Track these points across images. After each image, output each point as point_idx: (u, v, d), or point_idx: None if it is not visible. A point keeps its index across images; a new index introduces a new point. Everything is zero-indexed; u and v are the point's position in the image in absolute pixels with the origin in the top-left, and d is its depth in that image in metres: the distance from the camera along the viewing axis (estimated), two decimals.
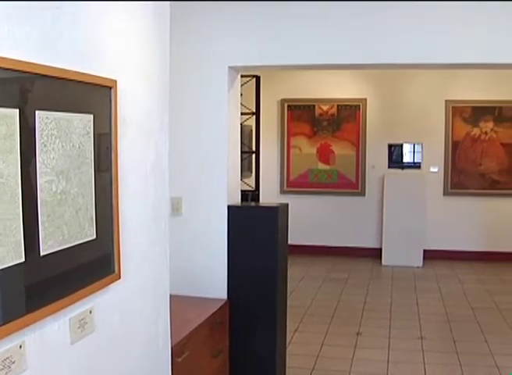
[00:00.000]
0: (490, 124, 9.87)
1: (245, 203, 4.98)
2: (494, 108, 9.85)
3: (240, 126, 4.76)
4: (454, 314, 6.92)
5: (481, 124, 9.89)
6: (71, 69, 1.97)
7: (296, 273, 8.72)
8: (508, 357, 5.58)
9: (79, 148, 2.04)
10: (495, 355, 5.60)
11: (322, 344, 5.83)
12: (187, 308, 3.92)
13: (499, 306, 7.26)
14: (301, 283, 8.30)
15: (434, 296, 7.77)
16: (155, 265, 2.76)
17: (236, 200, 4.59)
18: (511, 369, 5.25)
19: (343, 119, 10.14)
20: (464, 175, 10.01)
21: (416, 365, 5.37)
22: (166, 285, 2.91)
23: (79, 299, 2.07)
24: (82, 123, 2.06)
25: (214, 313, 3.98)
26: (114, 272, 2.31)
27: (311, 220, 10.17)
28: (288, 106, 10.25)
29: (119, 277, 2.34)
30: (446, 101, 9.94)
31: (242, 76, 4.94)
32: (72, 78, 1.98)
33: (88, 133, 2.10)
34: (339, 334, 6.16)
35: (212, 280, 4.36)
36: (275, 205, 4.40)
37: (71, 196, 2.00)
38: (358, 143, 10.14)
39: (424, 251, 9.63)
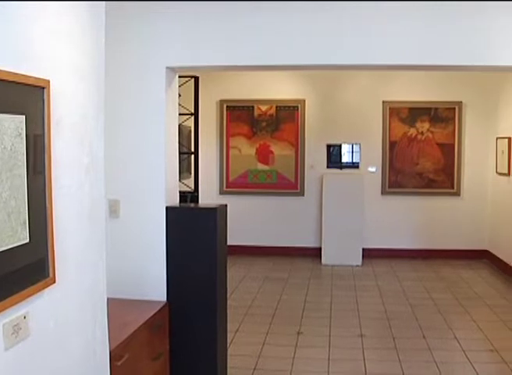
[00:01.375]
0: (426, 124, 10.09)
1: (184, 204, 4.95)
2: (430, 108, 10.07)
3: (178, 126, 4.73)
4: (393, 311, 7.04)
5: (418, 124, 10.10)
6: (2, 69, 1.92)
7: (237, 274, 8.74)
8: (446, 352, 5.70)
9: (10, 149, 1.99)
10: (433, 350, 5.72)
11: (263, 344, 5.84)
12: (126, 312, 3.87)
13: (436, 303, 7.41)
14: (242, 284, 8.30)
15: (373, 294, 7.88)
16: (92, 268, 2.72)
17: (175, 201, 4.56)
18: (449, 364, 5.38)
19: (282, 120, 10.19)
20: (401, 174, 10.19)
21: (356, 362, 5.43)
22: (103, 288, 2.86)
23: (12, 304, 2.02)
24: (14, 124, 2.01)
25: (153, 316, 3.94)
26: (49, 276, 2.27)
27: (250, 221, 10.20)
28: (227, 107, 10.25)
29: (54, 281, 2.29)
30: (383, 101, 10.12)
31: (180, 76, 4.92)
32: (3, 78, 1.93)
33: (20, 134, 2.05)
34: (279, 334, 6.18)
35: (151, 282, 4.32)
36: (213, 206, 4.38)
37: (3, 199, 1.95)
38: (297, 143, 10.21)
39: (363, 249, 9.76)
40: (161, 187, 4.30)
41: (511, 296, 7.70)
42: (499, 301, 7.55)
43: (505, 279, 8.75)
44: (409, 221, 10.25)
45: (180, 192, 4.96)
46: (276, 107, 10.20)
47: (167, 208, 4.30)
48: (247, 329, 6.32)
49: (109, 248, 2.96)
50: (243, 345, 5.80)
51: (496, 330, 6.32)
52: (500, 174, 9.42)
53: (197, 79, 7.82)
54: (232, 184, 10.32)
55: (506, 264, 9.05)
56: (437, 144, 10.12)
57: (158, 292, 4.31)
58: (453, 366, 5.36)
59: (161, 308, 4.13)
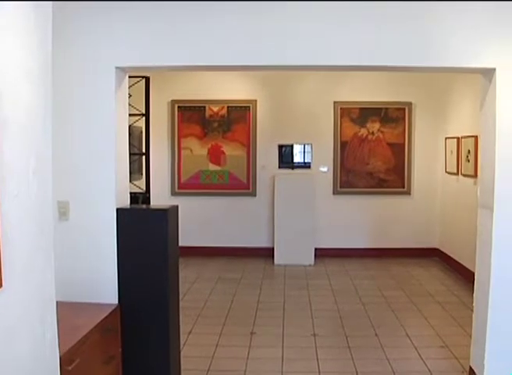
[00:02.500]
0: (377, 125, 10.19)
1: (135, 205, 4.90)
2: (380, 109, 10.18)
3: (129, 127, 4.68)
4: (346, 310, 7.08)
5: (369, 125, 10.20)
6: None
7: (190, 275, 8.69)
8: (397, 349, 5.76)
9: None
10: (385, 347, 5.78)
11: (217, 345, 5.81)
12: (77, 315, 3.81)
13: (388, 300, 7.49)
14: (195, 285, 8.26)
15: (326, 293, 7.92)
16: (40, 272, 2.65)
17: (126, 202, 4.50)
18: (401, 360, 5.43)
19: (234, 121, 10.18)
20: (353, 174, 10.28)
21: (310, 361, 5.44)
22: (52, 292, 2.80)
23: None
24: None
25: (104, 319, 3.88)
26: None
27: (203, 221, 10.17)
28: (178, 107, 10.18)
29: (0, 286, 2.23)
30: (334, 102, 10.19)
31: (131, 76, 4.88)
32: None
33: None
34: (233, 335, 6.16)
35: (102, 285, 4.27)
36: (164, 207, 4.34)
37: None
38: (249, 144, 10.21)
39: (316, 249, 9.81)
40: (111, 189, 4.25)
41: (461, 293, 7.82)
42: (450, 298, 7.67)
43: (455, 276, 8.89)
44: (360, 220, 10.34)
45: (131, 193, 4.92)
46: (228, 107, 10.18)
47: (117, 209, 4.25)
48: (201, 330, 6.28)
49: (59, 251, 2.91)
50: (196, 347, 5.76)
51: (446, 327, 6.41)
52: (449, 173, 9.57)
53: (147, 79, 7.77)
54: (184, 185, 10.26)
55: (456, 262, 9.19)
56: (387, 144, 10.24)
57: (110, 295, 4.26)
58: (405, 363, 5.41)
59: (113, 311, 4.07)
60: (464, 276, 8.42)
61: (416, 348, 5.76)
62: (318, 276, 8.93)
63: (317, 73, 9.67)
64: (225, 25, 4.27)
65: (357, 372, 5.18)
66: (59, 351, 2.90)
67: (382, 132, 10.22)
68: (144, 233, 4.23)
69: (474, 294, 4.88)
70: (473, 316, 4.87)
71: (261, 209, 10.31)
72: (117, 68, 4.26)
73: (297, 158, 10.45)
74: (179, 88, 10.12)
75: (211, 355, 5.55)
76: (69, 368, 3.10)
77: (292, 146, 10.39)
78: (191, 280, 8.45)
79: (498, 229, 4.45)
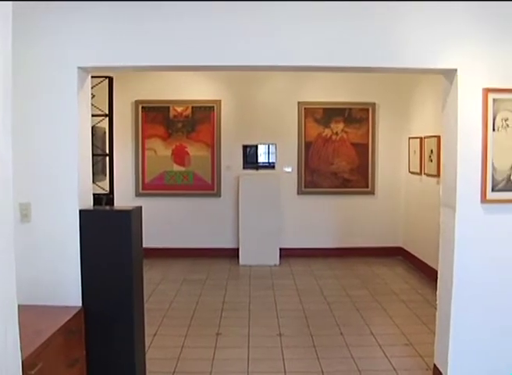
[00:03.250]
0: (341, 125, 10.25)
1: (98, 207, 4.84)
2: (344, 109, 10.24)
3: (92, 128, 4.63)
4: (311, 309, 7.10)
5: (333, 125, 10.25)
6: None
7: (155, 276, 8.65)
8: (362, 348, 5.79)
9: None
10: (350, 346, 5.81)
11: (182, 347, 5.78)
12: (39, 318, 3.76)
13: (353, 300, 7.53)
14: (160, 286, 8.21)
15: (291, 293, 7.94)
16: (0, 275, 2.61)
17: (89, 204, 4.46)
18: (366, 359, 5.47)
19: (198, 121, 10.15)
20: (317, 174, 10.32)
21: (275, 361, 5.44)
22: (13, 296, 2.75)
23: None
24: None
25: (68, 321, 3.84)
26: None
27: (167, 222, 10.12)
28: (142, 108, 10.12)
29: None
30: (298, 102, 10.22)
31: (94, 77, 4.83)
32: None
33: None
34: (198, 336, 6.13)
35: (65, 287, 4.22)
36: (128, 208, 4.30)
37: None
38: (213, 144, 10.18)
39: (281, 249, 9.83)
40: (74, 190, 4.20)
41: (425, 291, 7.90)
42: (414, 296, 7.74)
43: (419, 275, 8.97)
44: (325, 220, 10.39)
45: (95, 195, 4.87)
46: (192, 108, 10.14)
47: (80, 211, 4.21)
48: (166, 332, 6.24)
49: (21, 254, 2.87)
50: (162, 349, 5.73)
51: (411, 325, 6.47)
52: (413, 173, 9.66)
53: (111, 79, 7.70)
54: (148, 186, 10.20)
55: (419, 260, 9.29)
56: (351, 144, 10.30)
57: (73, 297, 4.22)
58: (371, 361, 5.44)
59: (77, 314, 4.04)
60: (428, 274, 8.51)
61: (381, 347, 5.80)
62: (283, 276, 8.94)
63: (281, 74, 9.70)
64: (189, 25, 4.25)
65: (322, 371, 5.20)
66: (21, 356, 2.85)
67: (346, 132, 10.28)
68: (107, 235, 4.19)
69: (438, 292, 4.93)
70: (436, 313, 4.92)
71: (226, 210, 10.29)
72: (79, 68, 4.22)
73: (262, 158, 10.46)
74: (143, 88, 10.05)
75: (177, 356, 5.52)
76: (32, 372, 3.07)
77: (256, 146, 10.40)
78: (156, 282, 8.41)
79: (460, 227, 4.50)
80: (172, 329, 6.35)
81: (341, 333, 6.21)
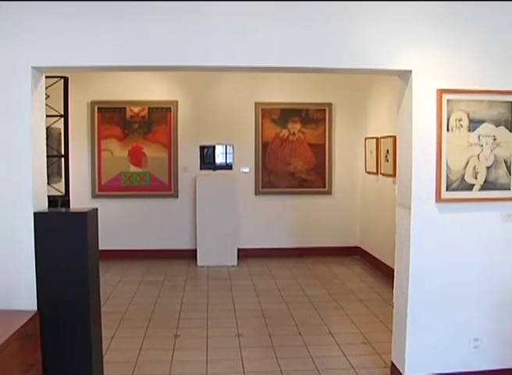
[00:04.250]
0: (298, 125, 10.29)
1: (53, 209, 4.77)
2: (301, 110, 10.28)
3: (46, 129, 4.56)
4: (269, 310, 7.12)
5: (290, 125, 10.29)
6: None
7: (112, 279, 8.57)
8: (321, 347, 5.82)
9: None
10: (309, 346, 5.84)
11: (140, 349, 5.74)
12: None
13: (311, 299, 7.57)
14: (117, 289, 8.14)
15: (249, 293, 7.94)
16: None
17: (44, 206, 4.39)
18: (324, 358, 5.50)
19: (155, 122, 10.08)
20: (274, 175, 10.34)
21: (234, 362, 5.44)
22: None
23: None
24: None
25: (23, 326, 3.78)
26: None
27: (125, 224, 10.04)
28: (98, 108, 10.01)
29: None
30: (255, 103, 10.22)
31: (48, 77, 4.76)
32: None
33: None
34: (157, 338, 6.09)
35: (20, 291, 4.16)
36: (84, 210, 4.25)
37: None
38: (170, 145, 10.13)
39: (239, 250, 9.83)
40: (28, 192, 4.14)
41: (382, 290, 7.98)
42: (371, 295, 7.81)
43: (376, 274, 9.06)
44: (283, 220, 10.42)
45: (50, 197, 4.80)
46: (148, 108, 10.07)
47: (35, 213, 4.14)
48: (124, 334, 6.19)
49: None
50: (119, 351, 5.67)
51: (368, 324, 6.53)
52: (369, 173, 9.75)
53: (66, 79, 7.60)
54: (104, 187, 10.09)
55: (377, 259, 9.38)
56: (308, 144, 10.36)
57: (28, 301, 4.16)
58: (329, 360, 5.47)
59: (32, 318, 3.98)
60: (385, 273, 8.60)
61: (339, 346, 5.84)
62: (242, 277, 8.95)
63: (238, 74, 9.70)
64: (145, 25, 4.22)
65: (281, 371, 5.21)
66: None
67: (302, 133, 10.32)
68: (63, 238, 4.13)
69: (394, 291, 5.00)
70: (393, 312, 4.98)
71: (183, 211, 10.25)
72: (33, 68, 4.16)
73: (219, 159, 10.44)
74: (99, 89, 9.95)
75: (135, 359, 5.47)
76: None
77: (214, 147, 10.38)
78: (113, 284, 8.33)
79: (415, 227, 4.57)
80: (129, 331, 6.30)
81: (299, 333, 6.23)
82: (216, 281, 8.67)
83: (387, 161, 8.67)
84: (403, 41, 4.45)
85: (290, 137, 10.33)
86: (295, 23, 4.35)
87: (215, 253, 9.66)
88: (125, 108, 10.03)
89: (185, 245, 10.21)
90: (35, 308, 4.14)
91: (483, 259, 4.70)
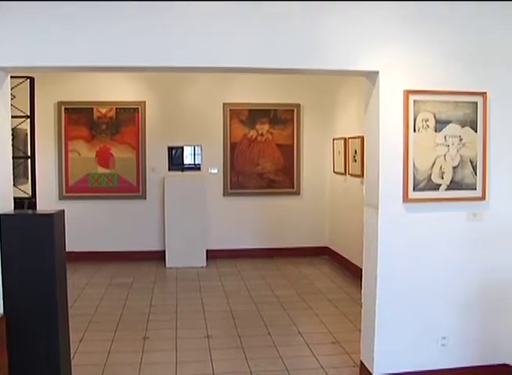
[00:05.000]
0: (266, 126, 10.30)
1: (19, 211, 4.72)
2: (269, 110, 10.30)
3: (12, 130, 4.51)
4: (238, 310, 7.11)
5: (258, 126, 10.30)
6: None
7: (80, 281, 8.50)
8: (290, 347, 5.84)
9: None
10: (278, 346, 5.84)
11: (109, 352, 5.69)
12: None
13: (280, 300, 7.58)
14: (85, 291, 8.07)
15: (218, 294, 7.93)
16: None
17: (9, 208, 4.34)
18: (294, 358, 5.52)
19: (122, 122, 10.02)
20: (243, 175, 10.34)
21: (204, 363, 5.42)
22: None
23: None
24: None
25: None
26: None
27: (93, 226, 9.95)
28: (65, 109, 9.91)
29: None
30: (223, 104, 10.21)
31: (13, 77, 4.70)
32: None
33: None
34: (125, 340, 6.05)
35: None
36: (50, 211, 4.21)
37: None
38: (138, 146, 10.08)
39: (207, 251, 9.82)
40: None
41: (351, 289, 8.02)
42: (340, 295, 7.85)
43: (345, 273, 9.11)
44: (251, 221, 10.42)
45: (16, 198, 4.75)
46: (116, 109, 10.01)
47: (0, 215, 4.09)
48: (92, 337, 6.13)
49: None
50: (88, 354, 5.62)
51: (337, 323, 6.56)
52: (337, 173, 9.80)
53: (32, 80, 7.53)
54: (72, 189, 10.00)
55: (345, 259, 9.43)
56: (277, 145, 10.38)
57: None
58: (298, 360, 5.49)
59: None
60: (353, 273, 8.65)
61: (308, 346, 5.86)
62: (211, 278, 8.93)
63: (206, 75, 9.67)
64: (110, 25, 4.18)
65: (250, 372, 5.21)
66: None
67: (271, 133, 10.34)
68: (29, 240, 4.09)
69: (363, 291, 5.03)
70: (362, 311, 5.01)
71: (152, 212, 10.20)
72: None
73: (187, 160, 10.43)
74: (66, 89, 9.84)
75: (104, 362, 5.43)
76: None
77: (182, 148, 10.36)
78: (81, 287, 8.25)
79: (383, 226, 4.60)
80: (98, 334, 6.25)
81: (269, 334, 6.24)
82: (185, 282, 8.64)
83: (355, 161, 8.72)
84: (370, 42, 4.48)
85: (258, 138, 10.34)
86: (264, 24, 4.35)
87: (184, 254, 9.63)
88: (92, 109, 9.96)
89: (153, 247, 10.16)
90: (1, 310, 4.09)
91: (450, 259, 4.76)
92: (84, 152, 9.98)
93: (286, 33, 4.38)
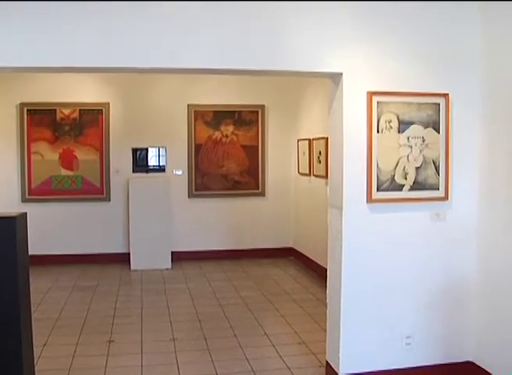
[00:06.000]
0: (231, 127, 10.31)
1: None
2: (234, 112, 10.31)
3: None
4: (204, 313, 7.10)
5: (223, 127, 10.30)
6: None
7: (43, 285, 8.40)
8: (256, 348, 5.84)
9: None
10: (244, 347, 5.85)
11: (74, 356, 5.63)
12: None
13: (246, 301, 7.58)
14: (49, 295, 7.97)
15: (184, 297, 7.90)
16: None
17: None
18: (260, 359, 5.53)
19: (86, 124, 9.93)
20: (207, 177, 10.33)
21: (169, 366, 5.40)
22: None
23: None
24: None
25: None
26: None
27: (56, 228, 9.84)
28: (28, 110, 9.78)
29: None
30: (188, 105, 10.18)
31: None
32: None
33: None
34: (90, 344, 6.00)
35: None
36: (12, 214, 4.14)
37: None
38: (102, 148, 10.00)
39: (173, 253, 9.77)
40: None
41: (316, 290, 8.06)
42: (305, 295, 7.88)
43: (310, 274, 9.15)
44: (217, 223, 10.41)
45: None
46: (80, 110, 9.91)
47: None
48: (56, 341, 6.06)
49: None
50: (52, 359, 5.55)
51: (303, 324, 6.58)
52: (302, 174, 9.84)
53: None
54: (35, 191, 9.88)
55: (310, 260, 9.46)
56: (241, 146, 10.39)
57: None
58: (265, 362, 5.50)
59: None
60: (318, 273, 8.68)
61: (274, 346, 5.87)
62: (176, 280, 8.90)
63: (171, 76, 9.63)
64: (74, 25, 4.12)
65: (217, 373, 5.21)
66: None
67: (235, 135, 10.35)
68: None
69: (327, 291, 5.05)
70: (327, 311, 5.03)
71: (116, 214, 10.12)
72: None
73: (152, 161, 10.40)
74: (29, 90, 9.70)
75: (68, 366, 5.37)
76: None
77: (146, 149, 10.32)
78: (45, 290, 8.15)
79: (347, 227, 4.63)
80: (62, 338, 6.18)
81: (235, 335, 6.23)
82: (150, 285, 8.60)
83: (319, 162, 8.76)
84: (334, 44, 4.50)
85: (223, 139, 10.34)
86: (229, 24, 4.35)
87: (149, 256, 9.58)
88: (55, 111, 9.85)
89: (118, 249, 10.08)
90: None
91: (414, 258, 4.81)
92: (47, 154, 9.87)
93: (250, 35, 4.38)
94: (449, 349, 4.97)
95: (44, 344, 5.92)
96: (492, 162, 4.71)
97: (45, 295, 7.92)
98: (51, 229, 9.77)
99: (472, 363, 4.94)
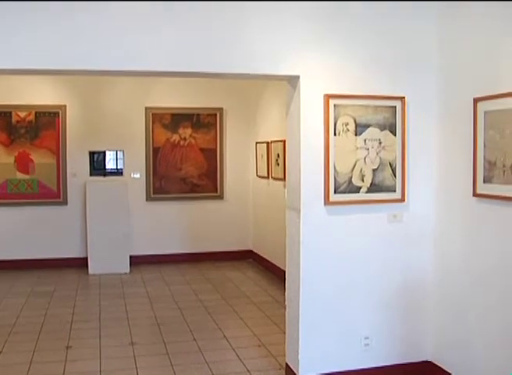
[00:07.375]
0: (189, 130, 10.29)
1: None
2: (192, 115, 10.30)
3: None
4: (163, 316, 7.06)
5: (181, 130, 10.28)
6: None
7: None
8: (216, 352, 5.84)
9: None
10: (204, 351, 5.83)
11: (31, 363, 5.54)
12: None
13: (205, 304, 7.57)
14: (4, 301, 7.84)
15: (143, 301, 7.85)
16: None
17: None
18: (220, 363, 5.52)
19: (42, 127, 9.80)
20: (166, 180, 10.29)
21: (129, 371, 5.35)
22: None
23: None
24: None
25: None
26: None
27: (12, 233, 9.69)
28: None
29: None
30: (146, 108, 10.13)
31: None
32: None
33: None
34: (48, 350, 5.91)
35: None
36: None
37: None
38: (58, 151, 9.87)
39: (131, 256, 9.71)
40: None
41: (275, 292, 8.08)
42: (265, 298, 7.90)
43: (269, 277, 9.17)
44: (175, 226, 10.37)
45: None
46: (35, 113, 9.78)
47: None
48: (12, 348, 5.96)
49: None
50: (8, 367, 5.46)
51: (262, 326, 6.60)
52: (260, 177, 9.87)
53: None
54: None
55: (269, 262, 9.49)
56: (200, 149, 10.38)
57: None
58: (224, 365, 5.49)
59: None
60: (278, 275, 8.71)
61: (234, 349, 5.87)
62: (134, 284, 8.84)
63: (128, 78, 9.56)
64: (31, 27, 4.05)
65: None
66: None
67: (194, 137, 10.33)
68: None
69: (286, 293, 5.07)
70: (286, 313, 5.05)
71: (73, 218, 10.01)
72: None
73: (110, 164, 10.32)
74: None
75: (25, 373, 5.28)
76: None
77: (104, 153, 10.23)
78: (0, 296, 8.02)
79: (305, 229, 4.65)
80: (19, 345, 6.08)
81: (194, 339, 6.21)
82: (108, 289, 8.52)
83: (278, 165, 8.79)
84: (291, 47, 4.52)
85: (181, 142, 10.32)
86: (187, 27, 4.33)
87: (107, 261, 9.49)
88: (10, 113, 9.70)
89: (75, 253, 9.97)
90: None
91: (372, 260, 4.85)
92: (2, 158, 9.71)
93: (207, 37, 4.38)
94: (407, 349, 5.02)
95: (0, 352, 5.82)
96: (448, 163, 4.78)
97: (1, 302, 7.80)
98: (7, 233, 9.63)
99: (431, 363, 5.01)
